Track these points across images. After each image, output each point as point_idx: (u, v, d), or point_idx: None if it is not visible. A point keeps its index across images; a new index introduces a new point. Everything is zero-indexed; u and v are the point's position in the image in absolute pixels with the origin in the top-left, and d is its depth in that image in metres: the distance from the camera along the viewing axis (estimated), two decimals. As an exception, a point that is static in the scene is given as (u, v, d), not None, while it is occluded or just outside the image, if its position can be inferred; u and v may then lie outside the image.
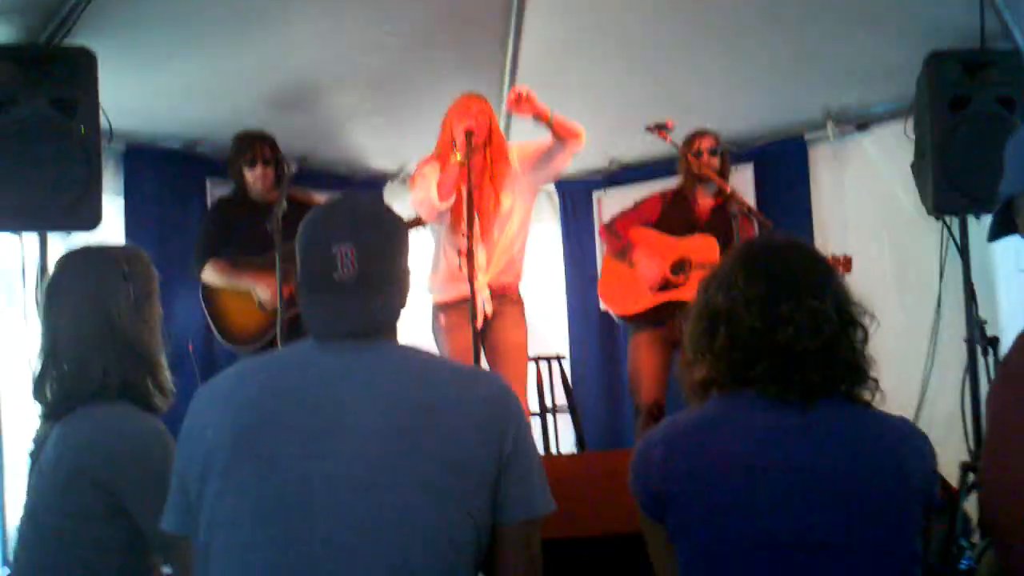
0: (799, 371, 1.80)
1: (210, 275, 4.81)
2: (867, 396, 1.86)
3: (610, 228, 5.23)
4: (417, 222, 4.43)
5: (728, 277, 1.91)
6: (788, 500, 1.73)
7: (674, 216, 5.10)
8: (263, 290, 4.63)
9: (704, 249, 4.89)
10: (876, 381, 1.87)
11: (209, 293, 4.86)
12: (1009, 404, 1.76)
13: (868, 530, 1.73)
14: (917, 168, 4.62)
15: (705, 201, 5.09)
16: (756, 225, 4.69)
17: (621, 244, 5.10)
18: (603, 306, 5.32)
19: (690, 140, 5.09)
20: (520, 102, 4.24)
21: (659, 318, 4.95)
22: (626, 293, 5.06)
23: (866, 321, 1.89)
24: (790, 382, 1.80)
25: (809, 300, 1.82)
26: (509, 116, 5.80)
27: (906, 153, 4.73)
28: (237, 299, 4.73)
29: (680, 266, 4.94)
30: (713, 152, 5.04)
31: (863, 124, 5.61)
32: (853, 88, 5.43)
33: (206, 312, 4.85)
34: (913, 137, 4.65)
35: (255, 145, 4.85)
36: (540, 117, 4.31)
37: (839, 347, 1.83)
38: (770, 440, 1.78)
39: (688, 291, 4.78)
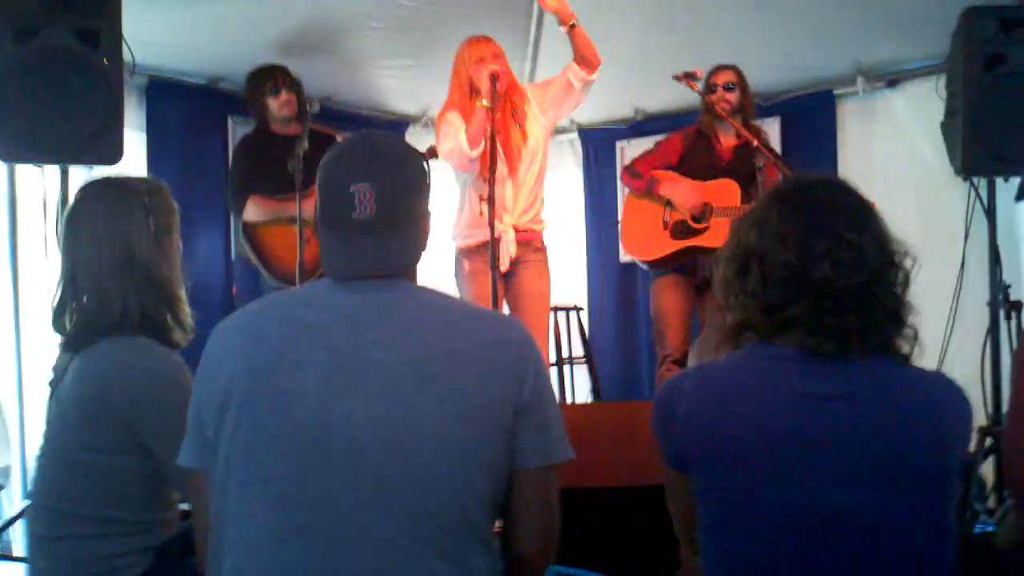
0: (835, 313, 1.71)
1: (253, 212, 4.81)
2: (905, 347, 1.77)
3: (630, 169, 5.14)
4: (432, 152, 4.39)
5: (762, 215, 1.83)
6: (819, 473, 1.67)
7: (695, 157, 5.02)
8: (307, 211, 4.46)
9: (726, 193, 4.83)
10: (915, 330, 1.79)
11: (252, 232, 4.84)
12: None
13: (906, 505, 1.67)
14: (947, 127, 4.55)
15: (727, 140, 5.00)
16: (781, 164, 4.62)
17: (644, 183, 5.01)
18: (624, 254, 5.26)
19: (708, 75, 4.97)
20: None
21: (682, 263, 4.91)
22: (648, 239, 5.00)
23: (907, 263, 1.80)
24: (826, 326, 1.71)
25: (848, 235, 1.73)
26: (535, 58, 5.76)
27: (936, 111, 4.66)
28: (280, 236, 4.69)
29: (702, 211, 4.89)
30: (729, 88, 4.90)
31: (894, 80, 5.53)
32: (885, 43, 5.34)
33: (251, 252, 4.83)
34: (944, 95, 4.58)
35: (275, 73, 4.86)
36: (562, 16, 4.29)
37: (878, 288, 1.74)
38: (803, 409, 1.70)
39: (710, 237, 4.77)
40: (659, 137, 5.29)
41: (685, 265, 4.90)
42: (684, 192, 4.90)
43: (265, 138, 4.88)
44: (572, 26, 4.32)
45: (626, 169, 5.21)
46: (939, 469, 1.71)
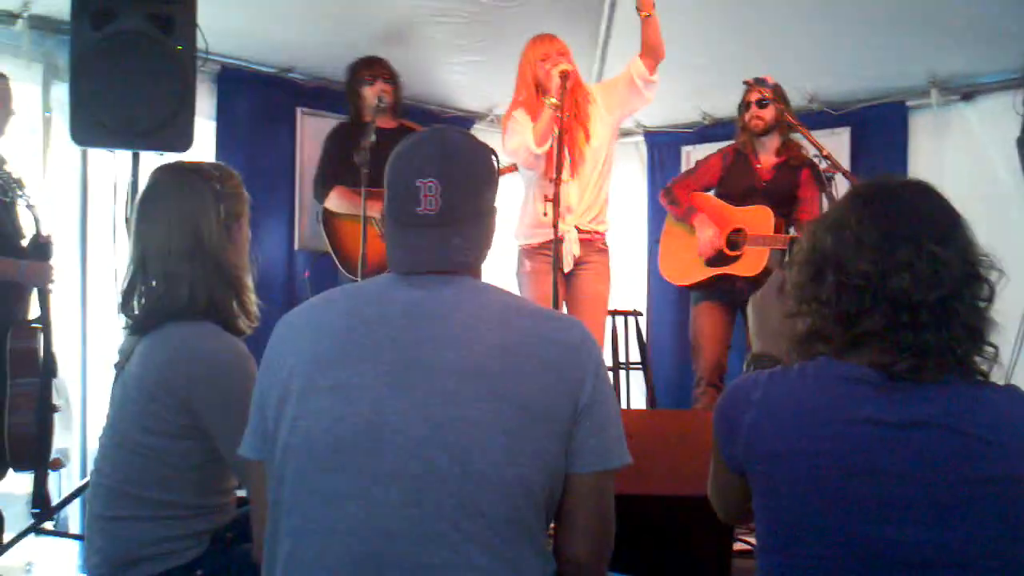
0: (913, 328, 1.61)
1: (335, 202, 4.87)
2: (983, 366, 1.67)
3: (669, 194, 5.17)
4: (509, 169, 4.40)
5: (839, 218, 1.72)
6: (891, 506, 1.58)
7: (734, 177, 5.01)
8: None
9: (760, 221, 4.80)
10: (995, 348, 1.68)
11: (331, 221, 4.90)
12: None
13: (989, 542, 1.57)
14: (1022, 144, 4.46)
15: (767, 158, 4.96)
16: (819, 182, 4.55)
17: (683, 208, 5.03)
18: (662, 275, 5.26)
19: (743, 93, 4.95)
20: None
21: (717, 289, 4.89)
22: (681, 264, 5.04)
23: (993, 277, 1.68)
24: (902, 343, 1.62)
25: (930, 245, 1.62)
26: (603, 59, 5.74)
27: (1012, 127, 4.59)
28: (357, 229, 4.73)
29: (735, 239, 4.86)
30: (762, 104, 4.85)
31: (968, 94, 5.40)
32: (961, 55, 5.22)
33: (327, 242, 4.89)
34: (1021, 111, 4.49)
35: (374, 64, 4.94)
36: (644, 3, 4.30)
37: (959, 303, 1.63)
38: (876, 437, 1.61)
39: (742, 265, 4.78)
40: (724, 144, 5.24)
41: (723, 288, 4.88)
42: (710, 232, 4.88)
43: (357, 129, 4.89)
44: (649, 15, 4.32)
45: (664, 193, 5.22)
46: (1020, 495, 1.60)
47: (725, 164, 5.06)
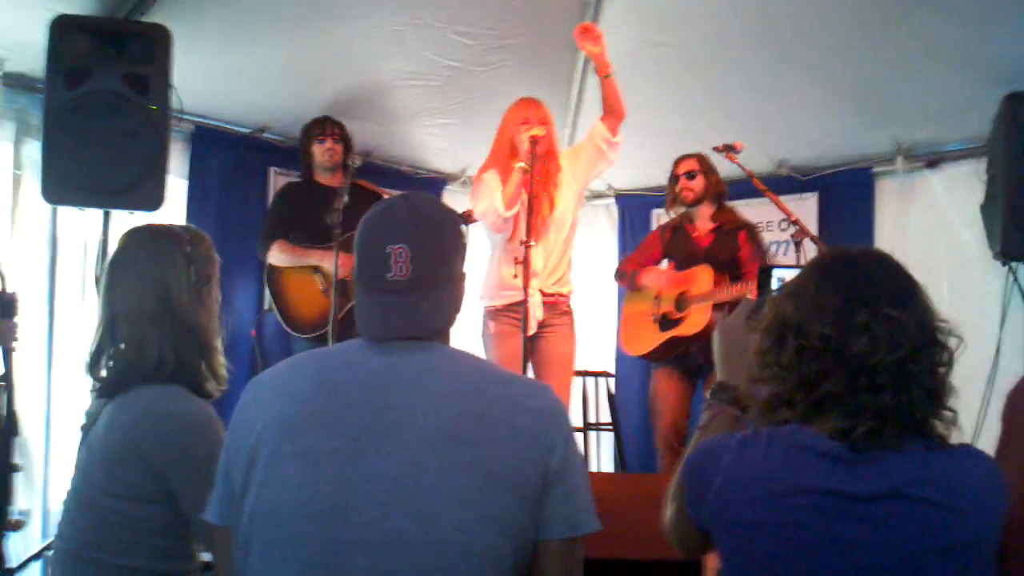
0: (872, 391, 1.64)
1: (276, 255, 4.86)
2: (942, 429, 1.70)
3: (617, 271, 5.32)
4: (468, 216, 4.42)
5: (800, 286, 1.77)
6: None
7: (675, 248, 5.12)
8: (329, 264, 4.52)
9: (699, 280, 4.89)
10: (954, 413, 1.72)
11: (274, 277, 4.90)
12: None
13: None
14: (986, 210, 4.55)
15: (703, 225, 5.06)
16: (756, 242, 4.82)
17: (628, 280, 5.17)
18: (624, 352, 5.33)
19: (672, 166, 5.10)
20: (589, 34, 4.28)
21: (672, 354, 4.94)
22: (638, 333, 5.11)
23: (952, 343, 1.72)
24: (862, 406, 1.65)
25: (887, 309, 1.66)
26: (575, 124, 5.81)
27: (975, 194, 4.66)
28: (300, 285, 4.74)
29: (679, 301, 4.92)
30: (691, 176, 4.99)
31: (934, 161, 5.53)
32: (927, 123, 5.35)
33: (271, 296, 4.91)
34: (984, 178, 4.57)
35: (325, 123, 4.98)
36: (600, 63, 4.35)
37: (917, 366, 1.66)
38: (844, 511, 1.63)
39: (687, 325, 4.85)
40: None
41: (679, 354, 4.94)
42: (660, 280, 5.02)
43: (308, 187, 4.94)
44: (607, 75, 4.38)
45: (616, 273, 5.35)
46: (982, 559, 1.64)
47: (664, 239, 5.20)
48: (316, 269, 4.75)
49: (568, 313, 4.63)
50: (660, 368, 5.06)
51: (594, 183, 5.19)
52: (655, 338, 4.99)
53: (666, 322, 4.98)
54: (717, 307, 4.74)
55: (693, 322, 4.82)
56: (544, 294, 4.47)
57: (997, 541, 1.67)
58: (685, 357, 4.90)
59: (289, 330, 4.81)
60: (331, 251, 4.41)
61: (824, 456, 1.67)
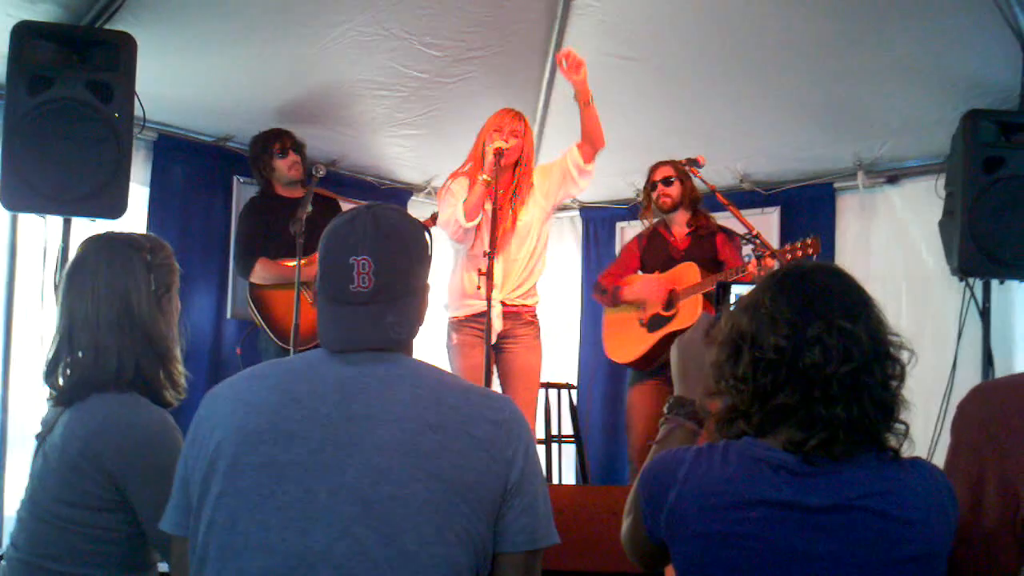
0: (825, 402, 1.67)
1: (260, 274, 4.83)
2: (894, 442, 1.73)
3: (597, 287, 5.29)
4: (434, 219, 4.40)
5: (755, 299, 1.80)
6: None
7: (653, 255, 5.12)
8: (312, 272, 4.42)
9: (686, 275, 4.89)
10: (906, 426, 1.75)
11: (258, 294, 4.85)
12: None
13: None
14: (944, 226, 4.60)
15: (680, 230, 5.09)
16: (734, 246, 4.84)
17: (609, 296, 5.14)
18: (611, 359, 5.31)
19: (648, 173, 5.12)
20: (570, 61, 4.25)
21: (659, 364, 4.93)
22: (626, 340, 5.08)
23: (903, 356, 1.76)
24: (815, 418, 1.68)
25: (840, 321, 1.70)
26: (540, 136, 5.83)
27: (935, 210, 4.71)
28: (286, 299, 4.69)
29: (669, 299, 4.93)
30: (668, 182, 5.02)
31: (894, 177, 5.60)
32: (887, 140, 5.43)
33: (257, 315, 4.85)
34: (943, 195, 4.63)
35: (281, 136, 4.93)
36: (581, 91, 4.33)
37: (869, 377, 1.69)
38: (799, 522, 1.66)
39: (680, 319, 4.83)
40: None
41: (662, 365, 4.91)
42: (644, 287, 5.00)
43: (271, 201, 4.92)
44: (587, 103, 4.37)
45: (594, 287, 5.33)
46: (935, 571, 1.67)
47: (642, 246, 5.19)
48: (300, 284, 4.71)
49: (533, 323, 4.62)
50: (637, 383, 5.04)
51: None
52: (645, 341, 4.95)
53: (656, 322, 4.95)
54: (708, 298, 4.72)
55: (685, 316, 4.79)
56: (505, 305, 4.46)
57: (949, 553, 1.70)
58: (666, 368, 4.88)
59: (283, 345, 4.74)
60: (313, 264, 4.35)
61: (779, 468, 1.69)
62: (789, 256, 4.30)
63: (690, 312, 4.76)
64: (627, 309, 5.10)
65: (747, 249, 4.48)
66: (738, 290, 2.32)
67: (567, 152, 4.58)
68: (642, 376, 5.03)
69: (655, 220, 5.15)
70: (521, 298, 4.55)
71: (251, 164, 5.06)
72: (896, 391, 1.74)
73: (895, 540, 1.64)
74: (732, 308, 1.87)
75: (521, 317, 4.55)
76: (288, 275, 4.72)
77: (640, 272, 5.14)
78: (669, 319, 4.89)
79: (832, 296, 1.74)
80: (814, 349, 1.68)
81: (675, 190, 5.00)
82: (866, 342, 1.70)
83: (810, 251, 4.26)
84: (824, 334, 1.69)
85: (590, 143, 4.48)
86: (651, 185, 5.08)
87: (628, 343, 5.05)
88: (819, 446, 1.68)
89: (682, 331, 4.68)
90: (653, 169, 5.08)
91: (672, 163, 5.03)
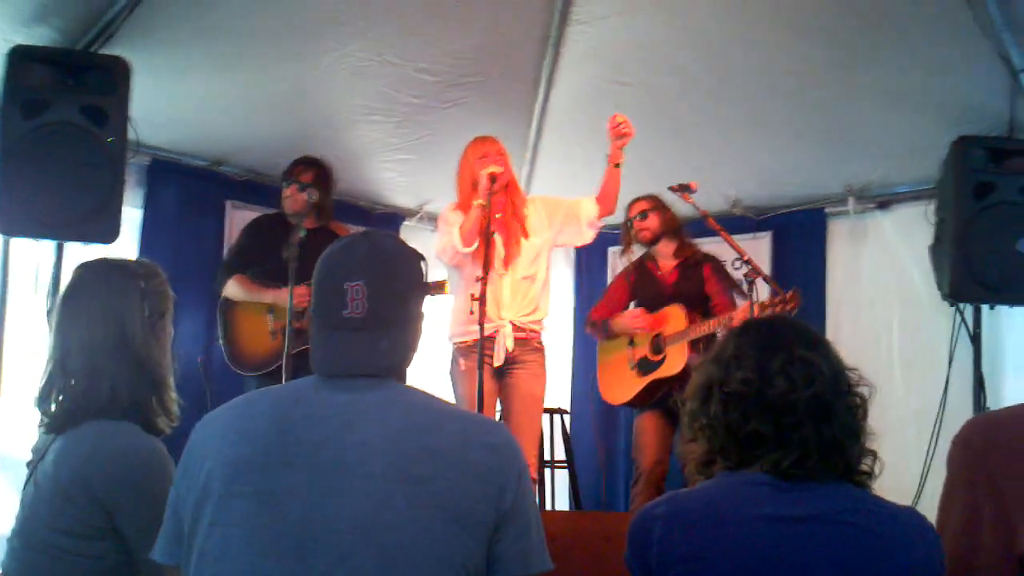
0: (795, 427, 1.77)
1: (232, 288, 4.81)
2: (865, 470, 1.84)
3: (589, 323, 5.36)
4: (439, 287, 4.40)
5: (720, 350, 1.93)
6: None
7: (642, 289, 5.19)
8: (284, 303, 4.40)
9: (672, 319, 4.94)
10: (875, 453, 1.86)
11: (226, 311, 4.85)
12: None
13: None
14: (935, 252, 4.61)
15: (666, 263, 5.13)
16: (722, 274, 4.89)
17: (599, 328, 5.22)
18: (605, 400, 5.35)
19: (626, 209, 5.17)
20: (622, 130, 4.36)
21: (654, 399, 4.97)
22: (620, 383, 5.13)
23: (863, 390, 1.87)
24: (788, 442, 1.76)
25: (800, 351, 1.82)
26: (533, 162, 5.85)
27: (925, 236, 4.73)
28: (250, 322, 4.71)
29: (656, 344, 4.96)
30: (643, 216, 5.08)
31: (885, 202, 5.62)
32: (877, 165, 5.46)
33: (220, 330, 4.85)
34: (933, 220, 4.65)
35: (299, 166, 4.90)
36: (614, 155, 4.47)
37: (835, 400, 1.81)
38: (775, 532, 1.72)
39: (668, 366, 4.89)
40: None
41: (657, 400, 4.97)
42: (630, 319, 5.05)
43: (277, 222, 4.89)
44: (617, 165, 4.49)
45: (586, 323, 5.40)
46: None
47: (630, 282, 5.26)
48: (271, 309, 4.72)
49: (540, 350, 4.62)
50: (644, 412, 5.07)
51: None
52: (636, 384, 5.02)
53: (645, 366, 5.02)
54: (693, 345, 4.78)
55: (672, 363, 4.85)
56: (515, 326, 4.47)
57: None
58: (666, 400, 4.90)
59: (232, 366, 4.76)
60: (287, 290, 4.35)
61: (759, 486, 1.78)
62: (769, 310, 4.32)
63: (676, 361, 4.84)
64: (618, 349, 5.18)
65: (738, 274, 4.50)
66: None
67: (581, 204, 4.65)
68: (643, 408, 5.08)
69: (641, 254, 5.18)
70: (532, 323, 4.57)
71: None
72: (861, 420, 1.85)
73: (878, 553, 1.70)
74: (701, 363, 1.99)
75: (529, 343, 4.55)
76: (258, 296, 4.75)
77: (632, 306, 5.17)
78: (657, 364, 4.95)
79: (790, 331, 1.89)
80: (778, 379, 1.80)
81: (652, 222, 5.07)
82: (826, 369, 1.82)
83: (789, 306, 4.28)
84: (787, 364, 1.81)
85: (606, 204, 4.59)
86: (628, 222, 5.16)
87: (620, 385, 5.13)
88: (795, 463, 1.77)
89: (666, 379, 4.76)
90: (629, 206, 5.15)
91: (646, 197, 5.12)
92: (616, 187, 4.54)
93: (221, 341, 4.85)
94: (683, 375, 4.71)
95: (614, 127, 4.36)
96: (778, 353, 1.82)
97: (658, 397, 4.94)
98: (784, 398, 1.78)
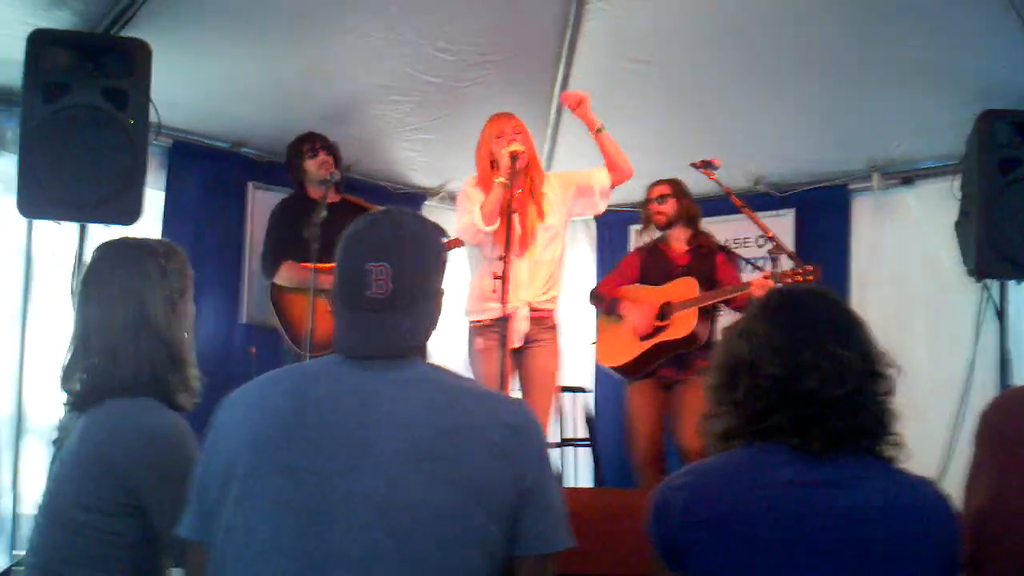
0: (821, 421, 1.76)
1: (284, 276, 4.80)
2: (890, 451, 1.82)
3: (594, 294, 5.30)
4: (455, 243, 4.41)
5: (750, 326, 1.89)
6: (814, 555, 1.69)
7: (653, 269, 5.13)
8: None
9: (684, 289, 4.89)
10: (899, 436, 1.83)
11: (279, 296, 4.84)
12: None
13: None
14: (960, 228, 4.58)
15: (679, 246, 5.10)
16: (734, 265, 4.89)
17: (607, 303, 5.14)
18: (600, 364, 5.29)
19: (646, 191, 5.15)
20: (570, 102, 4.39)
21: (650, 367, 4.93)
22: (616, 346, 5.07)
23: (892, 373, 1.84)
24: (811, 432, 1.76)
25: (832, 347, 1.78)
26: (554, 139, 5.83)
27: (950, 211, 4.69)
28: (307, 304, 4.69)
29: (663, 310, 4.93)
30: (661, 200, 5.05)
31: (908, 178, 5.57)
32: (901, 141, 5.40)
33: (275, 315, 4.83)
34: (959, 196, 4.61)
35: (311, 137, 4.95)
36: (588, 122, 4.45)
37: (863, 397, 1.78)
38: (796, 492, 1.73)
39: (673, 330, 4.83)
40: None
41: (653, 368, 4.93)
42: (639, 311, 4.97)
43: (302, 203, 4.89)
44: (598, 130, 4.45)
45: (591, 295, 5.33)
46: (924, 560, 1.72)
47: (642, 258, 5.21)
48: (321, 291, 4.70)
49: (554, 328, 4.62)
50: (632, 385, 5.03)
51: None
52: (635, 348, 4.95)
53: (648, 331, 4.95)
54: (703, 314, 4.75)
55: (679, 327, 4.80)
56: (532, 308, 4.47)
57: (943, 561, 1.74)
58: (660, 372, 4.90)
59: (299, 350, 4.71)
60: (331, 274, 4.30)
61: (781, 453, 1.78)
62: (788, 279, 4.29)
63: (684, 324, 4.79)
64: (618, 320, 5.11)
65: (762, 251, 4.48)
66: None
67: (594, 173, 4.62)
68: (633, 378, 5.02)
69: (656, 236, 5.17)
70: (548, 302, 4.56)
71: (287, 170, 5.07)
72: (887, 406, 1.82)
73: (897, 519, 1.71)
74: (727, 333, 1.95)
75: (544, 322, 4.55)
76: (316, 285, 4.71)
77: (639, 284, 5.14)
78: (661, 329, 4.90)
79: (823, 322, 1.85)
80: (810, 376, 1.77)
81: (669, 207, 5.04)
82: (858, 364, 1.79)
83: (810, 278, 4.26)
84: (819, 359, 1.78)
85: (615, 171, 4.55)
86: (646, 203, 5.13)
87: (618, 348, 5.05)
88: (819, 451, 1.76)
89: (674, 341, 4.73)
90: (650, 188, 5.12)
91: (669, 181, 5.07)
92: (615, 149, 4.50)
93: (279, 326, 4.81)
94: (690, 340, 4.72)
95: (565, 103, 4.43)
96: (810, 348, 1.79)
97: (655, 365, 4.91)
98: (813, 395, 1.77)
